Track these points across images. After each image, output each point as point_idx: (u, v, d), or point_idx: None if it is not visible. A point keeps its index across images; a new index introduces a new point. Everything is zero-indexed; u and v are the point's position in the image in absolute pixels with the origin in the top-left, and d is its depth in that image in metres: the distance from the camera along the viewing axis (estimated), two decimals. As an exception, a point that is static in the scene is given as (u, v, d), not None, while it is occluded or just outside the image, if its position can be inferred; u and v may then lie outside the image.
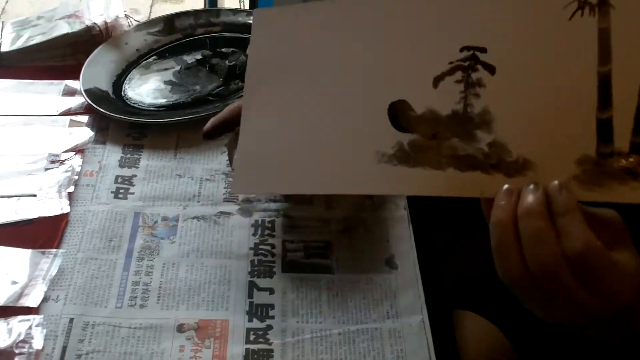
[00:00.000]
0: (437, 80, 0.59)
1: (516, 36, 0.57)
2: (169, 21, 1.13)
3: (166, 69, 1.06)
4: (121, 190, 0.85)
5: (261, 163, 0.67)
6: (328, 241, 0.79)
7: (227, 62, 1.06)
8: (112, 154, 0.90)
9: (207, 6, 1.88)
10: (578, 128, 0.54)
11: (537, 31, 0.57)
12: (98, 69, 1.02)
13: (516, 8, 0.58)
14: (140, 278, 0.75)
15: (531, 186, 0.52)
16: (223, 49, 1.08)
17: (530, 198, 0.52)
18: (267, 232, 0.80)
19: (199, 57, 1.08)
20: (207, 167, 0.88)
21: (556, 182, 0.52)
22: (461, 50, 0.58)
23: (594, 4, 0.54)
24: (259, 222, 0.81)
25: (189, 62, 1.07)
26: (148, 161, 0.89)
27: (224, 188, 0.85)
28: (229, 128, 0.76)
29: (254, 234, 0.79)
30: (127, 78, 1.04)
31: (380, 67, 0.62)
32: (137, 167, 0.88)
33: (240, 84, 1.00)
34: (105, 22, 1.08)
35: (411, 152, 0.60)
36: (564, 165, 0.54)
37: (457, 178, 0.57)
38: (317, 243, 0.78)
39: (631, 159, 0.53)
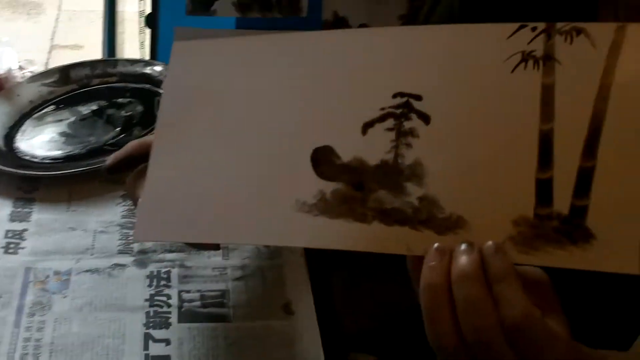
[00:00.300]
0: (366, 127, 0.55)
1: (455, 86, 0.54)
2: (64, 72, 1.11)
3: (61, 120, 1.04)
4: (11, 245, 0.83)
5: (169, 208, 0.61)
6: (224, 290, 0.79)
7: (123, 112, 1.05)
8: (2, 208, 0.88)
9: (105, 55, 1.88)
10: (516, 187, 0.51)
11: (477, 82, 0.53)
12: (-11, 121, 1.01)
13: (456, 56, 0.55)
14: (31, 334, 0.73)
15: (464, 246, 0.50)
16: (119, 99, 1.07)
17: (464, 260, 0.49)
18: (162, 282, 0.79)
19: (94, 107, 1.07)
20: (101, 219, 0.87)
21: (491, 243, 0.49)
22: (394, 96, 0.55)
23: (539, 57, 0.52)
24: (155, 273, 0.80)
25: (84, 112, 1.06)
26: (40, 215, 0.87)
27: (119, 240, 0.84)
28: (133, 165, 0.70)
29: (150, 285, 0.79)
30: (20, 130, 1.02)
31: (304, 109, 0.58)
32: (28, 221, 0.86)
33: (137, 133, 1.00)
34: (-3, 74, 1.06)
35: (334, 203, 0.55)
36: (500, 226, 0.51)
37: (383, 232, 0.53)
38: (213, 292, 0.78)
39: (571, 223, 0.50)
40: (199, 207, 0.60)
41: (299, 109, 0.58)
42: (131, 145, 0.72)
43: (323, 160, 0.56)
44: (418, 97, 0.54)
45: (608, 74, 0.50)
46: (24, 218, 0.87)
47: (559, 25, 0.51)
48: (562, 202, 0.50)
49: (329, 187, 0.55)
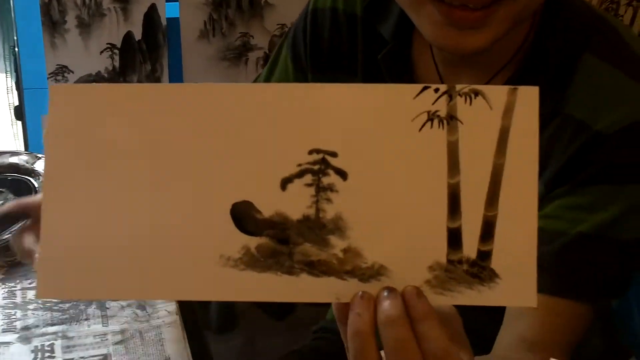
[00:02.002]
0: (285, 183, 0.56)
1: (367, 143, 0.56)
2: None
3: None
4: None
5: (76, 263, 0.58)
6: (106, 354, 0.85)
7: (-1, 201, 1.10)
8: None
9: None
10: (430, 236, 0.55)
11: (389, 139, 0.56)
12: None
13: (368, 115, 0.57)
14: None
15: (386, 292, 0.53)
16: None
17: (388, 304, 0.53)
18: (47, 355, 0.84)
19: (-32, 193, 1.11)
20: (-17, 299, 0.92)
21: (411, 287, 0.54)
22: (310, 152, 0.56)
23: (443, 117, 0.55)
24: (39, 347, 0.85)
25: (-42, 199, 1.10)
26: None
27: (1, 320, 0.88)
28: (10, 222, 0.74)
29: (35, 359, 0.84)
30: None
31: (218, 164, 0.57)
32: None
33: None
34: None
35: (260, 257, 0.56)
36: (417, 271, 0.55)
37: (311, 284, 0.56)
38: (95, 357, 0.84)
39: (478, 265, 0.55)
40: (114, 262, 0.58)
41: (212, 163, 0.58)
42: (7, 205, 0.76)
43: (244, 215, 0.57)
44: (334, 154, 0.56)
45: (504, 132, 0.55)
46: None
47: (458, 87, 0.56)
48: (470, 247, 0.55)
49: (253, 241, 0.56)
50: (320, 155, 0.56)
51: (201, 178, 0.57)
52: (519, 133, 0.56)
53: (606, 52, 0.75)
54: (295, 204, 0.56)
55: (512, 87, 0.55)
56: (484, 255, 0.55)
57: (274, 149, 0.57)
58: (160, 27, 1.68)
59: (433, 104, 0.56)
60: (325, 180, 0.56)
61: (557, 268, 0.73)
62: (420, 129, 0.56)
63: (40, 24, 1.60)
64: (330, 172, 0.56)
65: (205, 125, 0.58)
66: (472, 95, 0.56)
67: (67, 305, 0.92)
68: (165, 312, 0.91)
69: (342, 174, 0.56)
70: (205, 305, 2.00)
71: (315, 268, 0.56)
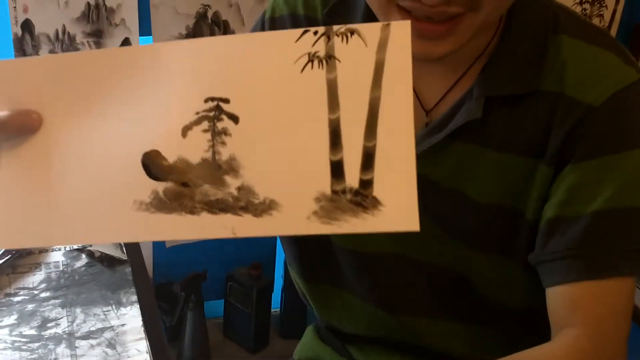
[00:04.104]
0: (185, 130, 0.62)
1: (255, 88, 0.61)
2: None
3: None
4: None
5: (24, 214, 0.65)
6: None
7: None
8: None
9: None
10: (314, 169, 0.60)
11: (274, 83, 0.61)
12: None
13: (254, 61, 0.62)
14: None
15: None
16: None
17: None
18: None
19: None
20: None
21: None
22: (206, 101, 0.62)
23: (322, 57, 0.60)
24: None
25: None
26: None
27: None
28: None
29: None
30: None
31: (134, 118, 0.64)
32: None
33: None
34: None
35: (167, 200, 0.62)
36: (304, 203, 0.59)
37: (211, 221, 0.61)
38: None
39: (361, 194, 0.59)
40: (41, 211, 0.64)
41: (125, 119, 0.64)
42: None
43: (152, 163, 0.63)
44: (226, 100, 0.62)
45: (379, 66, 0.60)
46: None
47: (336, 27, 0.61)
48: (352, 177, 0.59)
49: (161, 186, 0.62)
50: (215, 103, 0.62)
51: (116, 133, 0.64)
52: (392, 66, 0.60)
53: (575, 30, 0.79)
54: (195, 149, 0.62)
55: (385, 23, 0.59)
56: (366, 184, 0.59)
57: (176, 101, 0.63)
58: (134, 61, 1.68)
59: (313, 45, 0.61)
60: (220, 125, 0.62)
61: (586, 252, 0.75)
62: (302, 70, 0.61)
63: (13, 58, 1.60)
64: (224, 117, 0.61)
65: (117, 86, 0.64)
66: (349, 34, 0.60)
67: (36, 345, 0.91)
68: (136, 350, 0.90)
69: (234, 118, 0.61)
70: (178, 339, 1.99)
71: (214, 206, 0.61)
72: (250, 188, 0.61)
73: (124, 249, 1.11)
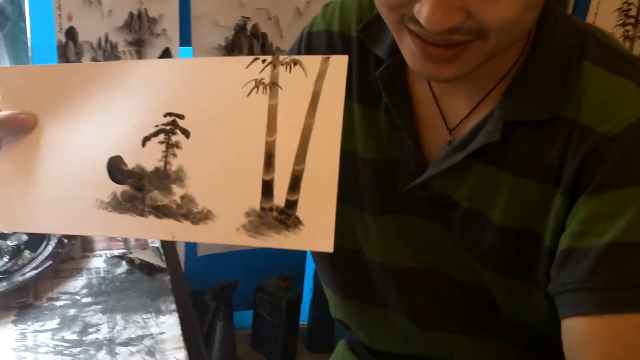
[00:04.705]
0: (145, 140, 0.70)
1: (207, 107, 0.68)
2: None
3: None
4: None
5: (14, 201, 0.74)
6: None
7: (9, 242, 1.11)
8: None
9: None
10: (248, 186, 0.66)
11: (224, 104, 0.68)
12: None
13: (209, 83, 0.68)
14: None
15: None
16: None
17: None
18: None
19: (-18, 241, 1.12)
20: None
21: None
22: (165, 115, 0.69)
23: (267, 84, 0.66)
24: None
25: (-30, 245, 1.11)
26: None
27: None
28: None
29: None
30: None
31: (103, 127, 0.71)
32: None
33: (28, 256, 1.07)
34: None
35: (122, 201, 0.69)
36: (235, 216, 0.66)
37: (155, 224, 0.68)
38: None
39: (286, 213, 0.65)
40: (27, 204, 0.73)
41: (98, 126, 0.72)
42: None
43: (114, 167, 0.70)
44: (181, 117, 0.69)
45: (315, 96, 0.66)
46: None
47: (281, 57, 0.67)
48: (279, 197, 0.65)
49: (119, 189, 0.70)
50: (172, 118, 0.69)
51: (90, 138, 0.72)
52: (327, 97, 0.65)
53: (600, 58, 0.77)
54: (151, 158, 0.69)
55: (325, 56, 0.65)
56: (291, 205, 0.65)
57: (141, 113, 0.70)
58: (173, 71, 1.70)
59: (260, 72, 0.67)
60: (174, 138, 0.68)
61: (597, 286, 0.73)
62: (248, 95, 0.67)
63: (56, 65, 1.63)
64: (178, 131, 0.68)
65: (97, 96, 0.72)
66: (292, 65, 0.66)
67: (77, 350, 0.92)
68: (175, 359, 0.91)
69: (186, 133, 0.68)
70: (206, 349, 1.99)
71: (160, 211, 0.68)
72: (191, 197, 0.67)
73: (163, 257, 1.13)
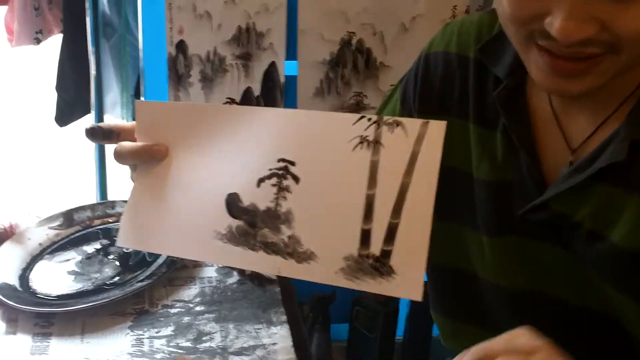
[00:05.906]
0: (259, 182, 0.76)
1: (317, 157, 0.75)
2: (68, 215, 1.23)
3: (68, 260, 1.15)
4: (33, 377, 0.90)
5: (143, 223, 0.81)
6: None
7: (123, 249, 1.15)
8: (23, 343, 0.96)
9: (98, 197, 2.00)
10: (348, 233, 0.72)
11: (331, 156, 0.74)
12: (4, 265, 1.10)
13: (320, 135, 0.75)
14: None
15: None
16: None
17: None
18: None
19: (98, 246, 1.17)
20: (113, 348, 0.96)
21: None
22: (278, 160, 0.76)
23: (371, 141, 0.73)
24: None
25: (89, 252, 1.16)
26: (57, 347, 0.96)
27: (131, 366, 0.93)
28: (111, 138, 0.84)
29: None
30: (33, 270, 1.12)
31: (226, 164, 0.79)
32: (47, 354, 0.95)
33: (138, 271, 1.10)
34: (10, 222, 1.17)
35: (236, 235, 0.76)
36: (336, 260, 0.72)
37: (264, 259, 0.75)
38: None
39: (380, 262, 0.71)
40: (155, 227, 0.81)
41: (220, 163, 0.79)
42: (115, 124, 0.85)
43: (232, 203, 0.78)
44: (293, 163, 0.75)
45: (414, 156, 0.71)
46: (42, 351, 0.95)
47: (385, 118, 0.73)
48: (376, 246, 0.72)
49: (235, 223, 0.77)
50: (285, 164, 0.75)
51: (213, 173, 0.79)
52: (425, 158, 0.71)
53: None
54: (264, 198, 0.76)
55: (425, 120, 0.71)
56: (386, 254, 0.71)
57: (258, 157, 0.77)
58: (279, 84, 1.73)
59: (365, 130, 0.73)
60: (285, 183, 0.75)
61: None
62: (353, 149, 0.73)
63: (166, 77, 1.68)
64: (289, 176, 0.75)
65: (221, 136, 0.79)
66: (395, 125, 0.72)
67: (192, 357, 0.95)
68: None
69: (296, 179, 0.75)
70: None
71: (269, 247, 0.75)
72: (297, 238, 0.74)
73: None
